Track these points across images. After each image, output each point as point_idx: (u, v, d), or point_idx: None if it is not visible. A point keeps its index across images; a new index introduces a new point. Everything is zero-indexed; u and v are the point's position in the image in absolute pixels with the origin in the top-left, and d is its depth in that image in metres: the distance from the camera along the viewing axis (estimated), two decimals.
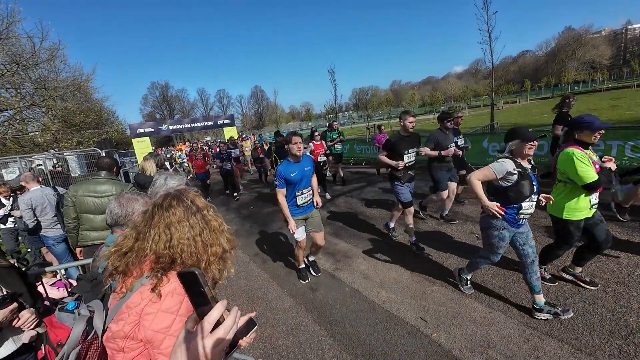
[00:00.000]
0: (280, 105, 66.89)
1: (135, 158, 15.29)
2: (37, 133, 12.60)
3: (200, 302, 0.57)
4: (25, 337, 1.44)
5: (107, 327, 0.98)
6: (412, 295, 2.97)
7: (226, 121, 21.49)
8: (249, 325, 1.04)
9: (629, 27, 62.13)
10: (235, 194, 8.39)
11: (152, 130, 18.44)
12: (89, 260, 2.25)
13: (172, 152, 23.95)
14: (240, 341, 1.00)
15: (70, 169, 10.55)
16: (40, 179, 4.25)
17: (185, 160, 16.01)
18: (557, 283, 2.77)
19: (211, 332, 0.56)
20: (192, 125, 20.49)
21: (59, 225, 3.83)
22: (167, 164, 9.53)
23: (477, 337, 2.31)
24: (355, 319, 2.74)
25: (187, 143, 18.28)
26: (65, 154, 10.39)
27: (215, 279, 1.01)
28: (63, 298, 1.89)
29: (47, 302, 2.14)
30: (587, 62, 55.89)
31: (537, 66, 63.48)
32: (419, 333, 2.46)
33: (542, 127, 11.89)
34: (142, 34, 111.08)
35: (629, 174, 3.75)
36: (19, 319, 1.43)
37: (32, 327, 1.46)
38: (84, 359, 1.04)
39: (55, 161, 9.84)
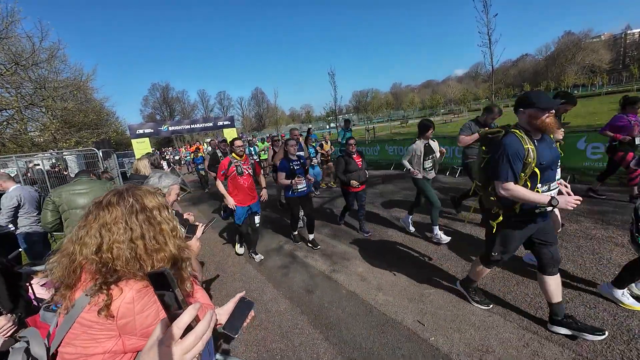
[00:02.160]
0: (280, 107, 67.09)
1: (135, 159, 15.27)
2: (36, 133, 12.58)
3: (171, 305, 0.53)
4: None
5: (57, 351, 0.84)
6: (409, 298, 2.91)
7: (226, 122, 21.50)
8: (245, 307, 1.03)
9: (629, 31, 62.45)
10: (311, 237, 4.49)
11: (152, 131, 18.43)
12: None
13: (181, 153, 19.59)
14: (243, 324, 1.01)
15: (69, 169, 10.53)
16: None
17: (202, 167, 10.43)
18: None
19: (181, 337, 0.51)
20: (192, 126, 20.48)
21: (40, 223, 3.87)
22: (164, 163, 8.98)
23: (476, 341, 2.26)
24: (352, 322, 2.69)
25: (212, 141, 10.97)
26: (64, 154, 10.35)
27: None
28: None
29: (35, 303, 2.09)
30: (586, 66, 56.12)
31: (537, 70, 63.70)
32: (416, 337, 2.40)
33: None
34: (143, 34, 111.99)
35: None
36: None
37: (7, 334, 1.39)
38: None
39: (53, 161, 9.80)
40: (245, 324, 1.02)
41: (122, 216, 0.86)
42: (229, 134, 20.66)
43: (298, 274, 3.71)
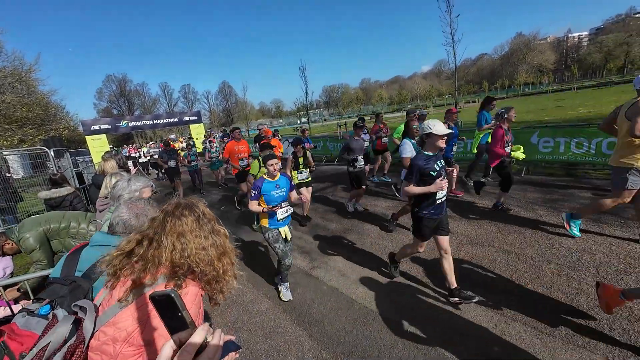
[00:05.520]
0: (249, 102, 65.21)
1: (90, 157, 14.02)
2: None
3: (178, 327, 0.51)
4: None
5: (97, 330, 0.93)
6: (388, 290, 3.03)
7: (192, 118, 20.55)
8: (230, 350, 1.03)
9: (569, 35, 68.96)
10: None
11: (109, 127, 17.10)
12: (47, 272, 2.10)
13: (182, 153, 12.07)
14: None
15: (11, 170, 9.36)
16: None
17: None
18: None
19: None
20: (155, 122, 19.31)
21: None
22: (129, 163, 8.25)
23: (452, 327, 2.41)
24: (334, 317, 2.74)
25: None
26: (4, 153, 9.19)
27: (229, 288, 1.04)
28: (19, 311, 1.64)
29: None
30: (535, 65, 61.18)
31: (494, 68, 68.24)
32: (396, 326, 2.51)
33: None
34: (93, 19, 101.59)
35: None
36: None
37: None
38: None
39: None
40: None
41: (197, 226, 1.01)
42: (196, 129, 19.80)
43: None
